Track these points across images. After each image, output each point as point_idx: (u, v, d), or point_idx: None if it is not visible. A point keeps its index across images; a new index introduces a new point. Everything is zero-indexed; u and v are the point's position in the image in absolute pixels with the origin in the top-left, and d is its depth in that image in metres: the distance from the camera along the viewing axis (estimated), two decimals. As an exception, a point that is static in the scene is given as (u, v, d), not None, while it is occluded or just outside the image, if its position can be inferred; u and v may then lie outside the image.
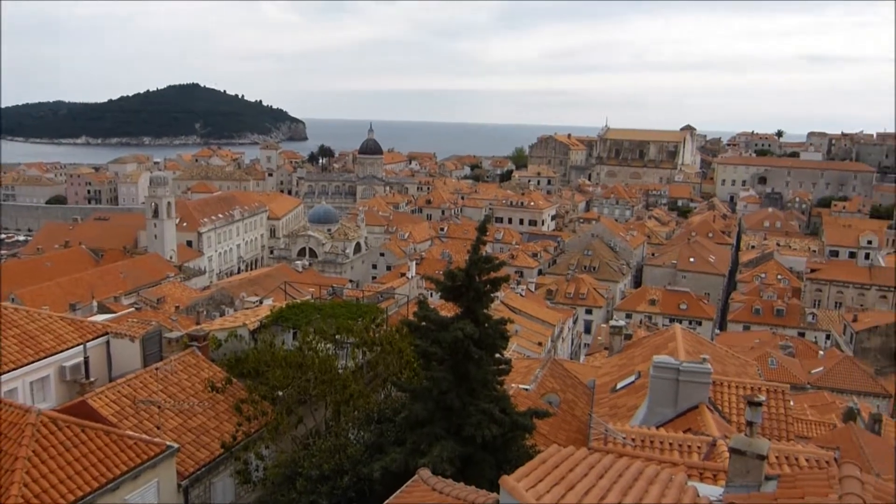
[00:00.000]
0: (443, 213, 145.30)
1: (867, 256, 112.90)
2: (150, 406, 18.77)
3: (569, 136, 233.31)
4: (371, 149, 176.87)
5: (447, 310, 19.02)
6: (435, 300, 35.31)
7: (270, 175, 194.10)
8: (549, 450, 8.69)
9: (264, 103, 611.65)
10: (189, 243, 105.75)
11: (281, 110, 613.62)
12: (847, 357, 67.10)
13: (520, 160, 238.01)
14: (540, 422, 17.04)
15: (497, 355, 15.74)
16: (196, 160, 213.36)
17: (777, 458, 12.99)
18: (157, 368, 20.43)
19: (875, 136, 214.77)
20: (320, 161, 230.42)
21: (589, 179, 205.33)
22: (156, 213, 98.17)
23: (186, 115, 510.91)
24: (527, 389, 23.47)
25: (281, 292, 35.80)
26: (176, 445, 17.05)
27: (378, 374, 21.34)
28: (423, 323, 15.28)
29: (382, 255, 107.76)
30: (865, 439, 32.89)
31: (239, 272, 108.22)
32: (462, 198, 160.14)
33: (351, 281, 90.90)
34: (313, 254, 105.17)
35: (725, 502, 7.72)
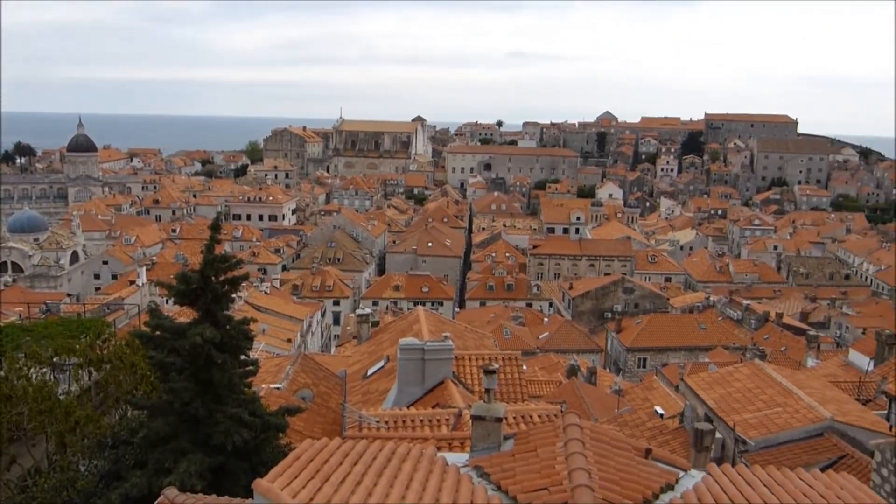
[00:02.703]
0: (174, 213, 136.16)
1: (577, 231, 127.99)
2: None
3: (304, 128, 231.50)
4: (83, 145, 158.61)
5: (186, 315, 17.82)
6: (172, 307, 32.99)
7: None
8: (302, 445, 8.55)
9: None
10: None
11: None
12: (567, 321, 75.61)
13: (254, 154, 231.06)
14: (294, 419, 16.72)
15: (242, 357, 15.11)
16: None
17: (514, 418, 14.18)
18: None
19: (577, 125, 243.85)
20: (18, 161, 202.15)
21: (327, 171, 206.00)
22: None
23: None
24: (278, 388, 22.94)
25: (-20, 315, 30.90)
26: None
27: (109, 394, 19.36)
28: (157, 332, 14.14)
29: (106, 262, 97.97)
30: (585, 390, 37.40)
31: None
32: (194, 195, 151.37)
33: (69, 295, 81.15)
34: (18, 268, 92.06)
35: (471, 465, 8.21)
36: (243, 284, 17.23)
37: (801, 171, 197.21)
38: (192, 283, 14.14)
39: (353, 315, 58.21)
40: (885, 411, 28.36)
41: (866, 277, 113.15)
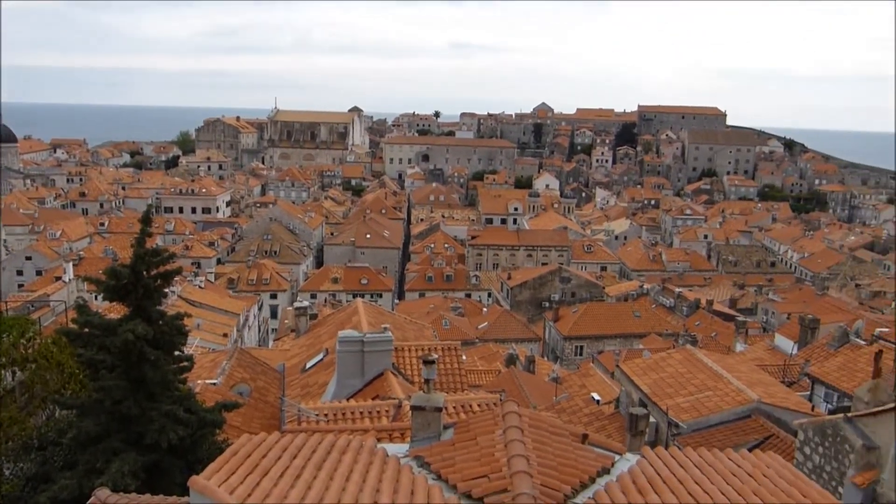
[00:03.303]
0: (101, 206, 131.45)
1: (515, 221, 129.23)
2: None
3: (238, 118, 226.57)
4: (2, 136, 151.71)
5: (116, 311, 17.20)
6: (101, 303, 31.85)
7: None
8: (239, 440, 8.41)
9: None
10: None
11: None
12: (505, 311, 76.38)
13: (186, 145, 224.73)
14: (231, 414, 16.45)
15: (176, 353, 14.76)
16: None
17: (454, 407, 14.28)
18: None
19: (514, 116, 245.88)
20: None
21: (262, 163, 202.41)
22: None
23: None
24: (214, 384, 22.49)
25: None
26: None
27: (35, 395, 18.59)
28: (86, 329, 13.65)
29: (29, 258, 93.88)
30: (523, 379, 37.94)
31: None
32: (123, 188, 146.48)
33: (-9, 292, 77.71)
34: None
35: (411, 456, 8.23)
36: (176, 279, 16.85)
37: (729, 162, 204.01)
38: (122, 279, 13.71)
39: (290, 308, 57.54)
40: (808, 392, 29.73)
41: (790, 265, 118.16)
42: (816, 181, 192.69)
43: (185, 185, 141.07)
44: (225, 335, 55.77)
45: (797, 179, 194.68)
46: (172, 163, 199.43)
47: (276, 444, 8.12)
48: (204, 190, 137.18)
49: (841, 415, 16.82)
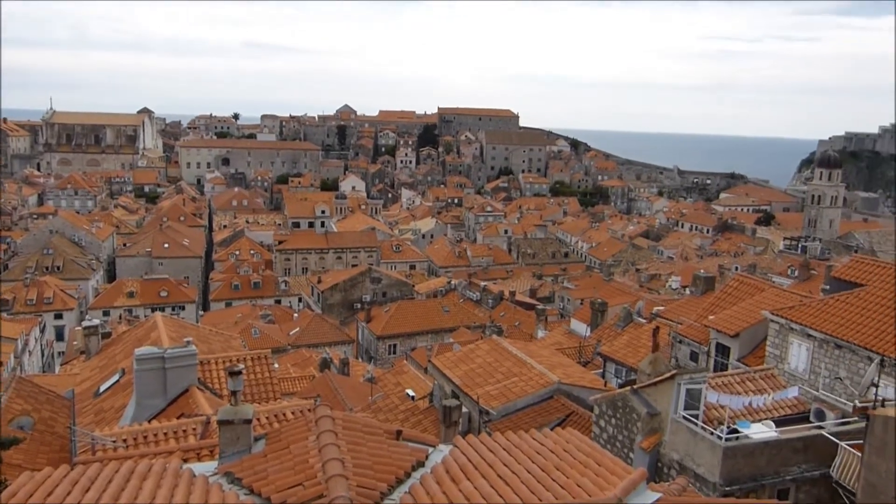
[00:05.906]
0: None
1: (323, 224, 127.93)
2: None
3: (5, 120, 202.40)
4: None
5: None
6: None
7: None
8: (18, 480, 7.52)
9: None
10: None
11: None
12: (317, 315, 75.46)
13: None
14: (10, 452, 14.72)
15: (-64, 388, 12.93)
16: None
17: (267, 418, 13.84)
18: None
19: (317, 118, 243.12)
20: None
21: (38, 169, 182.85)
22: None
23: None
24: (-13, 419, 19.96)
25: None
26: None
27: None
28: None
29: None
30: (338, 382, 37.74)
31: None
32: None
33: None
34: None
35: (220, 473, 7.85)
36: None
37: (524, 161, 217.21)
38: None
39: (79, 328, 52.42)
40: (601, 370, 32.48)
41: (581, 254, 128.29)
42: (599, 177, 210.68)
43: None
44: (0, 363, 49.79)
45: (583, 176, 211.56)
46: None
47: (64, 479, 7.38)
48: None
49: (628, 388, 18.57)
